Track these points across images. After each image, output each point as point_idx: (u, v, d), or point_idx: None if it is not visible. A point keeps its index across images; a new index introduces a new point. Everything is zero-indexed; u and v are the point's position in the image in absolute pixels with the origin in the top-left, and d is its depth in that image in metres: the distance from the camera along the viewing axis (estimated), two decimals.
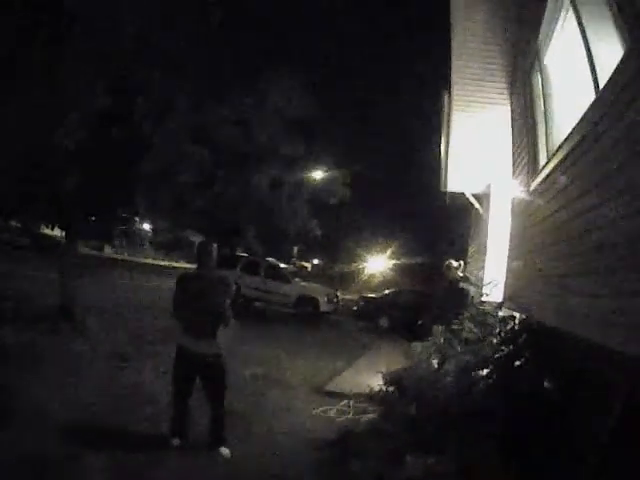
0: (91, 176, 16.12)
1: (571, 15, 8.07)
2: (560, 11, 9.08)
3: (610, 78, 6.32)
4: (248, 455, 9.00)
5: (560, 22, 9.27)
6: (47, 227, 21.73)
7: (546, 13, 9.82)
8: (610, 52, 6.30)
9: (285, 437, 10.16)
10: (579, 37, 7.60)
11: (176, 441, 8.90)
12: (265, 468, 8.59)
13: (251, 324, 24.39)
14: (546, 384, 8.06)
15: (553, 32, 9.88)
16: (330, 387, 14.63)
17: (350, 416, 11.92)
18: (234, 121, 25.55)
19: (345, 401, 12.89)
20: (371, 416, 11.63)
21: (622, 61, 5.85)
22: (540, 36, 10.63)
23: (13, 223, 23.22)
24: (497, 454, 7.30)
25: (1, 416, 8.88)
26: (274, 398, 12.85)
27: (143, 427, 9.60)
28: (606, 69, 6.57)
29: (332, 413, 12.08)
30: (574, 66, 8.49)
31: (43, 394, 10.27)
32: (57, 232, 21.93)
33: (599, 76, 6.94)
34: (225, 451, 8.88)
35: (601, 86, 6.81)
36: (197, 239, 39.76)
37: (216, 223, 33.27)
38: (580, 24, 7.60)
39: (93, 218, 19.87)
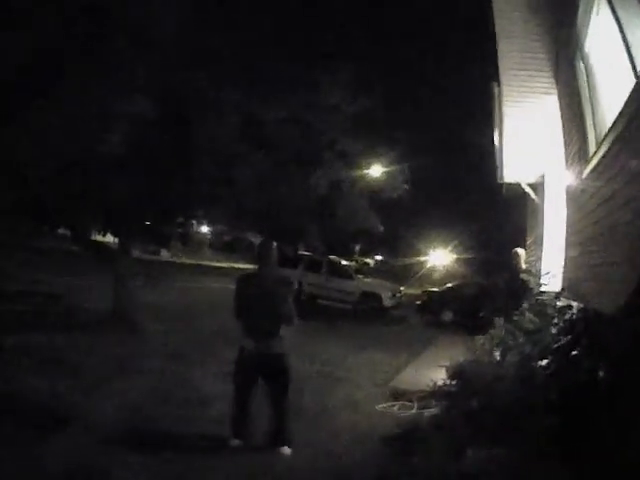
0: (144, 181, 16.23)
1: (604, 2, 8.05)
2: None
3: None
4: (313, 451, 9.07)
5: (594, 8, 9.24)
6: (99, 233, 21.86)
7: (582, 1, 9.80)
8: None
9: (349, 433, 10.23)
10: (613, 22, 7.58)
11: (236, 442, 8.95)
12: (328, 464, 8.65)
13: (314, 322, 24.45)
14: (601, 374, 8.06)
15: (589, 18, 9.86)
16: (394, 383, 14.69)
17: (414, 411, 11.96)
18: (291, 120, 25.60)
19: (409, 396, 12.87)
20: (434, 410, 11.56)
21: None
22: (578, 23, 10.61)
23: (60, 231, 23.30)
24: (555, 445, 7.31)
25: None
26: (339, 395, 12.93)
27: (203, 428, 9.71)
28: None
29: (396, 408, 12.16)
30: (613, 51, 8.46)
31: (104, 398, 10.57)
32: (110, 238, 22.10)
33: (636, 60, 6.92)
34: (287, 450, 8.90)
35: (638, 71, 6.80)
36: (257, 240, 39.88)
37: (276, 223, 33.36)
38: (612, 8, 7.58)
39: (147, 223, 19.98)
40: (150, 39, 14.64)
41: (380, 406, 12.28)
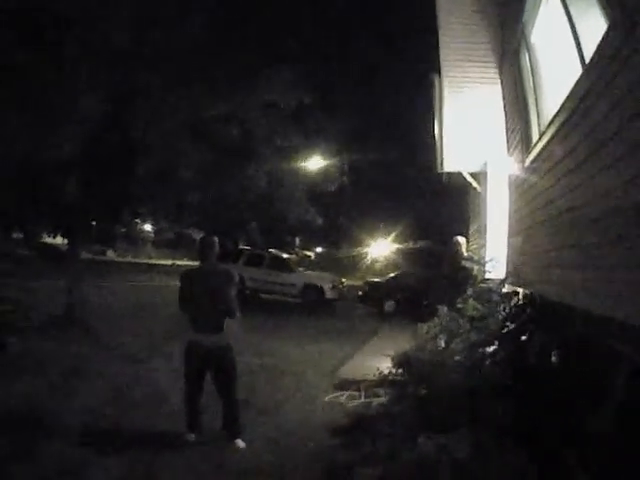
0: (90, 182, 16.19)
1: None
2: None
3: (595, 52, 6.39)
4: (263, 445, 9.10)
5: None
6: (48, 236, 21.71)
7: None
8: (594, 26, 6.37)
9: (298, 425, 10.26)
10: (563, 13, 7.66)
11: (191, 436, 9.04)
12: (279, 456, 8.69)
13: (258, 315, 24.45)
14: (553, 358, 8.15)
15: (538, 9, 9.92)
16: (340, 373, 14.79)
17: (361, 400, 11.99)
18: (229, 117, 25.56)
19: (356, 386, 12.94)
20: (382, 399, 11.64)
21: (606, 34, 5.92)
22: (525, 14, 10.68)
23: (14, 235, 23.16)
24: (507, 431, 7.38)
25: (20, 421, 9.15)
26: (285, 387, 12.98)
27: (157, 425, 9.71)
28: (590, 43, 6.64)
29: (343, 399, 12.17)
30: (560, 42, 8.53)
31: (58, 398, 10.49)
32: (59, 240, 21.91)
33: (584, 51, 7.01)
34: (240, 443, 8.98)
35: (587, 60, 6.88)
36: (199, 236, 39.81)
37: (217, 219, 33.32)
38: (564, 1, 7.67)
39: (94, 223, 19.91)
40: (94, 41, 14.59)
41: (328, 397, 12.33)
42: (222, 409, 9.24)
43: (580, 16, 7.23)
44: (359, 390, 12.64)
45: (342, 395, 12.42)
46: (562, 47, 8.31)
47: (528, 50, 11.14)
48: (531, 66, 11.10)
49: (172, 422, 9.61)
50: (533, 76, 11.05)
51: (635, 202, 5.72)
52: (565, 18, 7.59)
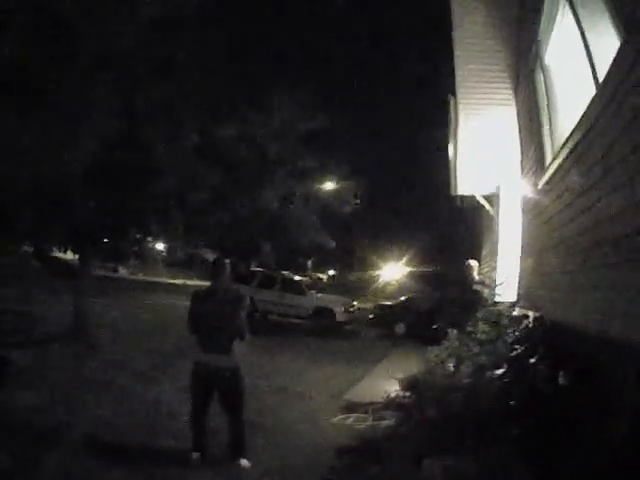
0: (102, 199, 16.19)
1: (568, 10, 8.07)
2: (557, 8, 9.07)
3: (608, 72, 6.34)
4: (269, 465, 9.05)
5: (558, 19, 9.26)
6: (60, 251, 21.73)
7: (544, 11, 9.81)
8: (607, 45, 6.32)
9: (305, 446, 10.22)
10: (577, 33, 7.61)
11: (196, 455, 8.97)
12: (285, 477, 8.67)
13: (268, 337, 24.52)
14: (561, 380, 8.06)
15: (552, 30, 9.88)
16: (348, 396, 14.76)
17: (369, 423, 11.96)
18: (243, 138, 25.64)
19: (364, 408, 12.91)
20: (389, 422, 11.58)
21: (618, 53, 5.86)
22: (540, 35, 10.64)
23: (25, 248, 23.23)
24: (515, 453, 7.30)
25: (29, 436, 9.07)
26: (293, 409, 12.94)
27: (163, 443, 9.68)
28: (604, 63, 6.58)
29: (351, 421, 12.16)
30: (574, 63, 8.49)
31: (63, 413, 10.42)
32: (70, 255, 21.95)
33: (598, 71, 6.95)
34: (245, 463, 8.94)
35: (600, 80, 6.82)
36: (211, 256, 39.83)
37: (229, 240, 33.38)
38: (577, 19, 7.61)
39: (106, 240, 19.90)
40: (110, 58, 14.63)
41: (335, 419, 12.30)
42: (228, 429, 9.19)
43: (593, 34, 7.18)
44: (367, 412, 12.62)
45: (350, 417, 12.40)
46: (576, 67, 8.27)
47: (543, 71, 11.09)
48: (545, 87, 11.06)
49: (178, 440, 9.60)
50: (547, 97, 11.00)
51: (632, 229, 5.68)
52: (579, 37, 7.54)
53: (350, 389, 15.69)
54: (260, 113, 29.29)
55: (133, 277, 61.88)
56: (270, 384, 14.85)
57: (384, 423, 11.70)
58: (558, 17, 9.18)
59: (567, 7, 8.06)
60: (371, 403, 13.26)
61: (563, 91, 10.28)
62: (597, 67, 7.00)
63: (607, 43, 6.33)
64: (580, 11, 7.48)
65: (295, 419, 12.06)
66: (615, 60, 6.00)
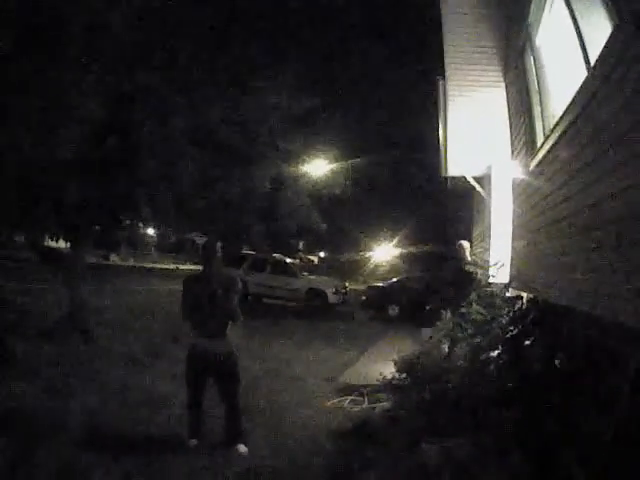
0: (92, 185, 16.13)
1: None
2: None
3: (600, 56, 6.35)
4: (265, 450, 9.05)
5: (549, 1, 9.26)
6: (51, 239, 21.63)
7: None
8: (599, 29, 6.33)
9: (301, 430, 10.20)
10: (568, 16, 7.61)
11: (193, 442, 8.98)
12: (281, 461, 8.64)
13: (261, 320, 24.54)
14: (557, 362, 8.10)
15: (543, 11, 9.87)
16: (343, 378, 14.77)
17: (365, 406, 11.97)
18: (233, 119, 25.55)
19: (359, 391, 12.90)
20: (385, 404, 11.63)
21: (611, 37, 5.87)
22: (530, 16, 10.62)
23: (17, 238, 23.21)
24: (511, 437, 7.33)
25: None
26: (288, 392, 12.88)
27: (159, 430, 9.68)
28: (596, 47, 6.59)
29: (347, 404, 12.14)
30: (565, 45, 8.50)
31: (60, 402, 10.43)
32: (62, 244, 21.83)
33: (590, 54, 6.96)
34: (243, 448, 8.95)
35: (592, 63, 6.83)
36: (202, 240, 39.82)
37: (220, 223, 33.35)
38: (568, 2, 7.60)
39: (97, 227, 19.83)
40: (96, 42, 14.57)
41: (330, 402, 12.28)
42: (224, 414, 9.20)
43: (585, 17, 7.19)
44: (362, 395, 12.61)
45: (345, 400, 12.37)
46: (567, 49, 8.27)
47: (533, 52, 11.10)
48: (536, 69, 11.07)
49: (174, 427, 9.64)
50: (538, 79, 11.01)
51: (637, 207, 5.69)
52: (570, 20, 7.54)
53: (344, 371, 15.69)
54: (250, 92, 29.32)
55: (125, 263, 61.82)
56: (263, 368, 14.86)
57: (380, 406, 11.71)
58: (548, 1, 9.18)
59: None
60: (366, 385, 13.24)
61: (554, 73, 10.30)
62: (588, 50, 7.02)
63: (599, 25, 6.34)
64: None
65: (290, 403, 12.02)
66: (607, 43, 6.00)
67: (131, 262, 64.43)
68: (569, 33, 7.70)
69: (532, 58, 11.22)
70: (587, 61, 7.01)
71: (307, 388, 13.50)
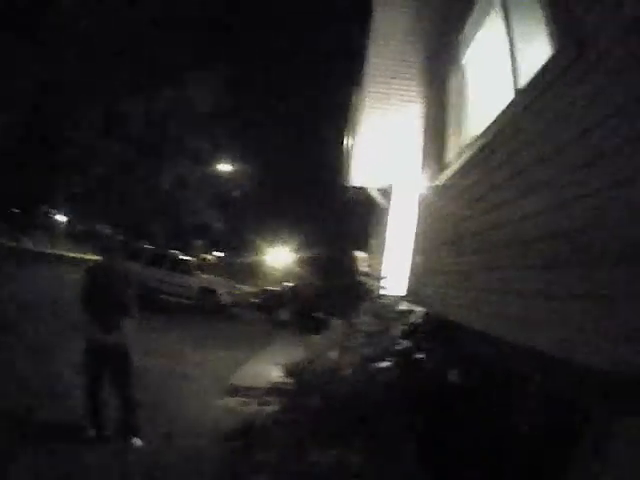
0: (6, 170, 16.08)
1: (500, 17, 8.08)
2: (488, 12, 9.06)
3: (531, 80, 6.39)
4: (158, 446, 9.15)
5: (486, 23, 9.25)
6: None
7: (474, 14, 9.74)
8: (534, 53, 6.38)
9: (192, 427, 10.38)
10: (505, 36, 7.61)
11: (92, 432, 9.01)
12: (173, 457, 8.75)
13: (155, 316, 24.43)
14: (450, 377, 8.19)
15: (476, 33, 9.88)
16: (234, 379, 14.95)
17: (254, 407, 12.05)
18: (146, 112, 25.60)
19: (248, 393, 13.10)
20: (274, 407, 11.70)
21: (548, 62, 5.90)
22: (462, 36, 10.62)
23: None
24: (403, 445, 7.39)
25: None
26: (181, 390, 13.07)
27: (58, 420, 9.62)
28: (527, 70, 6.66)
29: (236, 404, 12.31)
30: (493, 66, 8.59)
31: None
32: None
33: (519, 77, 7.01)
34: (137, 442, 9.05)
35: (520, 86, 6.89)
36: (107, 232, 39.78)
37: (125, 216, 33.30)
38: (508, 26, 7.61)
39: (10, 210, 19.81)
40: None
41: (221, 401, 12.50)
42: (120, 407, 9.27)
43: (523, 40, 7.22)
44: (252, 397, 12.74)
45: (235, 401, 12.58)
46: (495, 71, 8.34)
47: (458, 71, 11.14)
48: (458, 87, 11.12)
49: (73, 418, 9.51)
50: (458, 97, 11.08)
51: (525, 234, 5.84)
52: (505, 43, 7.55)
53: (235, 372, 15.94)
54: (164, 88, 29.27)
55: (34, 249, 61.26)
56: (157, 364, 14.84)
57: (269, 409, 11.76)
58: (487, 21, 9.20)
59: (500, 13, 8.06)
60: (256, 388, 13.49)
61: (476, 93, 10.36)
62: (519, 73, 7.07)
63: (535, 51, 6.39)
64: (513, 19, 7.50)
65: (182, 400, 12.16)
66: (543, 69, 6.04)
67: (40, 247, 63.73)
68: (500, 56, 7.76)
69: (456, 77, 11.26)
70: (516, 83, 7.06)
71: (199, 386, 13.67)
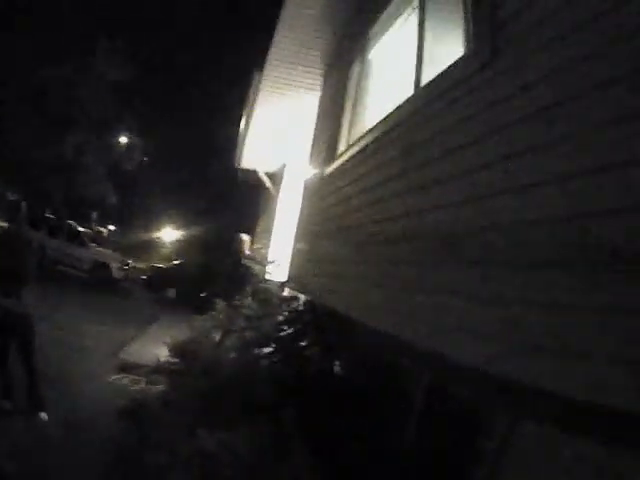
0: None
1: (414, 17, 8.16)
2: (403, 11, 9.12)
3: (435, 78, 6.50)
4: (59, 418, 9.21)
5: (399, 21, 9.29)
6: None
7: (388, 11, 9.76)
8: (440, 58, 6.52)
9: (88, 403, 10.45)
10: (416, 34, 7.68)
11: (7, 404, 9.08)
12: (69, 436, 8.75)
13: (52, 287, 23.79)
14: (336, 368, 8.39)
15: (387, 30, 9.94)
16: (123, 355, 15.07)
17: (143, 385, 12.15)
18: (56, 81, 25.37)
19: (137, 370, 13.11)
20: (162, 387, 11.73)
21: (457, 63, 5.99)
22: (371, 31, 10.64)
23: None
24: (288, 432, 7.54)
25: None
26: (75, 363, 13.10)
27: None
28: (428, 73, 6.83)
29: (127, 381, 12.41)
30: (397, 66, 8.79)
31: None
32: None
33: (423, 75, 7.12)
34: (44, 416, 9.07)
35: (422, 84, 7.03)
36: (14, 198, 39.24)
37: (29, 183, 32.89)
38: (421, 26, 7.69)
39: None
40: None
41: (112, 377, 12.56)
42: (25, 380, 9.25)
43: (435, 40, 7.29)
44: (140, 375, 12.75)
45: (125, 377, 12.63)
46: (399, 69, 8.50)
47: (362, 65, 11.20)
48: (359, 80, 11.24)
49: None
50: (358, 91, 11.20)
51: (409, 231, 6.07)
52: (414, 42, 7.63)
53: (124, 348, 16.04)
54: (75, 57, 28.97)
55: None
56: (52, 335, 14.57)
57: (157, 388, 11.76)
58: (399, 20, 9.28)
59: (415, 13, 8.14)
60: (144, 365, 13.41)
61: (377, 88, 10.49)
62: (423, 71, 7.18)
63: (442, 55, 6.53)
64: (428, 21, 7.59)
65: (77, 374, 12.19)
66: (450, 68, 6.13)
67: None
68: (409, 53, 7.84)
69: (359, 69, 11.32)
70: (417, 80, 7.18)
71: (92, 361, 13.76)
